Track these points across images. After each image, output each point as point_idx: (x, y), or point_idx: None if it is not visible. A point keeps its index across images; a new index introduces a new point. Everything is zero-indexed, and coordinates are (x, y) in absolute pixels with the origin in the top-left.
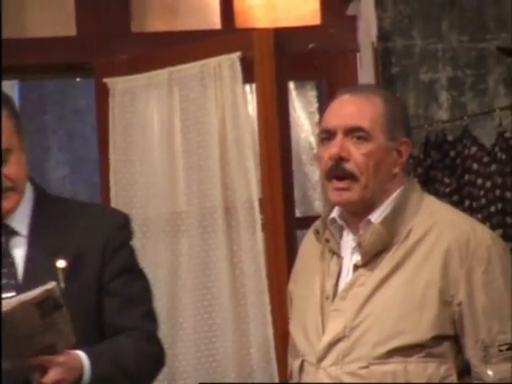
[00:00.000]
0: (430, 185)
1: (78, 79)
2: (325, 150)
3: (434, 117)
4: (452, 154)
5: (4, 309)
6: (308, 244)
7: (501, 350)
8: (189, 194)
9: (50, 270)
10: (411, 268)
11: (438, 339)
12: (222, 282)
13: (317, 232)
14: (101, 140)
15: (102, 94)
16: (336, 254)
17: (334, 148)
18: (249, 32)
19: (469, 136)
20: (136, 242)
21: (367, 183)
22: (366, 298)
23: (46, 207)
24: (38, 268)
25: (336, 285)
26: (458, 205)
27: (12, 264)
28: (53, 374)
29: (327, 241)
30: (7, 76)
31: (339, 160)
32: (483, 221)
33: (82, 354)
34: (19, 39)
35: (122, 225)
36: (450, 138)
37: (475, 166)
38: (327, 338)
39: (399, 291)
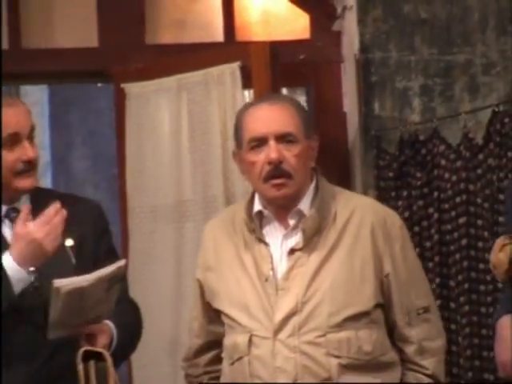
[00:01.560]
0: (403, 178)
1: (98, 84)
2: (257, 155)
3: (408, 119)
4: (423, 151)
5: (85, 283)
6: (220, 236)
7: (419, 314)
8: (193, 184)
9: (60, 246)
10: (346, 248)
11: (376, 307)
12: None
13: (245, 223)
14: (118, 137)
15: (120, 98)
16: (263, 241)
17: (273, 153)
18: (247, 44)
19: (438, 136)
20: (147, 226)
21: (299, 179)
22: (311, 277)
23: (38, 192)
24: None
25: (272, 268)
26: (427, 196)
27: None
28: (101, 340)
29: (253, 231)
30: (38, 81)
31: (279, 162)
32: (449, 210)
33: (110, 324)
34: (48, 49)
35: (103, 212)
36: (421, 137)
37: (443, 162)
38: (281, 314)
39: (341, 269)
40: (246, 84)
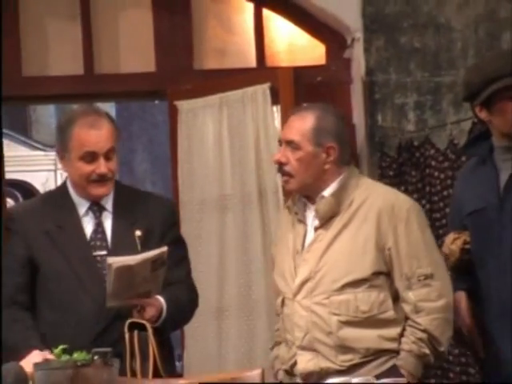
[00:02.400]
0: (401, 176)
1: (156, 102)
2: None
3: (405, 129)
4: (417, 154)
5: (133, 262)
6: (283, 218)
7: (419, 280)
8: (232, 181)
9: (130, 236)
10: (354, 228)
11: (376, 274)
12: (256, 244)
13: (288, 208)
14: (172, 144)
15: (173, 113)
16: (302, 222)
17: (277, 155)
18: (275, 69)
19: (429, 142)
20: (195, 216)
21: (300, 178)
22: (323, 251)
23: (120, 191)
24: (120, 234)
25: (303, 243)
26: (421, 190)
27: (103, 231)
28: (149, 312)
29: (296, 213)
30: (107, 99)
31: (280, 164)
32: (438, 201)
33: (161, 299)
34: (115, 74)
35: (174, 208)
36: (415, 143)
37: (433, 163)
38: (299, 280)
39: (347, 245)
40: (274, 101)
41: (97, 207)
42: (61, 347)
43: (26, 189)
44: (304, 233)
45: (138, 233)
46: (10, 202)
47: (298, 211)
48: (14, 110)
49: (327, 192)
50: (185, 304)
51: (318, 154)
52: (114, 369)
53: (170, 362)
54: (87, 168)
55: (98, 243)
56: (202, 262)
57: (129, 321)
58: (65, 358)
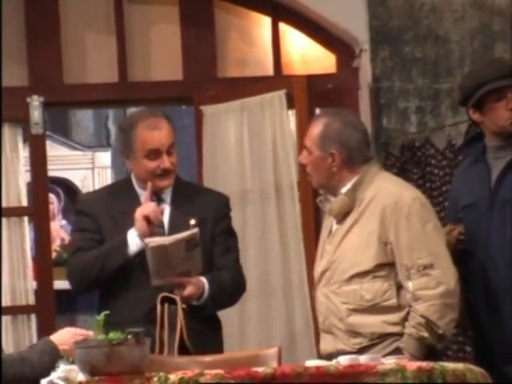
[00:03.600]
0: (404, 173)
1: (183, 107)
2: None
3: (407, 131)
4: (418, 154)
5: (167, 242)
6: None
7: (418, 270)
8: (252, 179)
9: (185, 224)
10: (362, 223)
11: (379, 266)
12: (274, 235)
13: (319, 202)
14: (197, 145)
15: (199, 117)
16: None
17: (299, 157)
18: (291, 77)
19: (429, 142)
20: None
21: (316, 178)
22: (338, 244)
23: (179, 185)
24: (177, 222)
25: (329, 235)
26: (422, 186)
27: (161, 220)
28: (189, 290)
29: (325, 207)
30: (139, 105)
31: (302, 165)
32: (438, 196)
33: (203, 279)
34: (146, 81)
35: (227, 202)
36: (417, 144)
37: (433, 161)
38: (319, 270)
39: (355, 239)
40: (290, 106)
41: (157, 198)
42: (103, 314)
43: (66, 185)
44: (331, 225)
45: (192, 221)
46: (51, 198)
47: (327, 205)
48: (56, 114)
49: (344, 189)
50: (229, 287)
51: (324, 159)
52: (146, 347)
53: (217, 338)
54: (152, 164)
55: (156, 230)
56: None
57: (161, 295)
58: (101, 337)
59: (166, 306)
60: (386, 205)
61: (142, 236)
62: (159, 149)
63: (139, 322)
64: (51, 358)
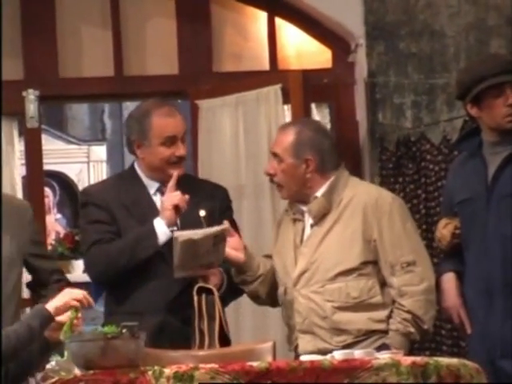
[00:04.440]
0: (400, 168)
1: (179, 101)
2: None
3: (403, 126)
4: (414, 149)
5: (196, 237)
6: (283, 218)
7: (402, 267)
8: (247, 173)
9: (195, 214)
10: (343, 223)
11: (363, 264)
12: (268, 228)
13: (287, 210)
14: (193, 139)
15: (194, 111)
16: (301, 220)
17: (267, 167)
18: (286, 72)
19: (424, 138)
20: None
21: (287, 188)
22: (317, 245)
23: (185, 177)
24: (187, 212)
25: (301, 239)
26: (417, 181)
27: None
28: (213, 280)
29: (294, 214)
30: (134, 99)
31: (270, 175)
32: (433, 191)
33: (222, 271)
34: (142, 76)
35: (227, 193)
36: (412, 139)
37: (428, 156)
38: (297, 271)
39: (337, 238)
40: (285, 100)
41: (165, 188)
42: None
43: (62, 179)
44: (302, 229)
45: (202, 213)
46: (47, 191)
47: (296, 212)
48: (52, 108)
49: (319, 193)
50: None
51: (298, 166)
52: (141, 341)
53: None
54: (167, 151)
55: None
56: None
57: (198, 285)
58: (96, 331)
59: (204, 296)
60: (367, 203)
61: (170, 225)
62: (176, 135)
63: (160, 312)
64: (41, 328)
